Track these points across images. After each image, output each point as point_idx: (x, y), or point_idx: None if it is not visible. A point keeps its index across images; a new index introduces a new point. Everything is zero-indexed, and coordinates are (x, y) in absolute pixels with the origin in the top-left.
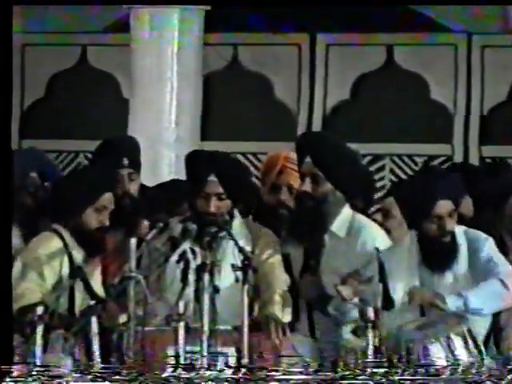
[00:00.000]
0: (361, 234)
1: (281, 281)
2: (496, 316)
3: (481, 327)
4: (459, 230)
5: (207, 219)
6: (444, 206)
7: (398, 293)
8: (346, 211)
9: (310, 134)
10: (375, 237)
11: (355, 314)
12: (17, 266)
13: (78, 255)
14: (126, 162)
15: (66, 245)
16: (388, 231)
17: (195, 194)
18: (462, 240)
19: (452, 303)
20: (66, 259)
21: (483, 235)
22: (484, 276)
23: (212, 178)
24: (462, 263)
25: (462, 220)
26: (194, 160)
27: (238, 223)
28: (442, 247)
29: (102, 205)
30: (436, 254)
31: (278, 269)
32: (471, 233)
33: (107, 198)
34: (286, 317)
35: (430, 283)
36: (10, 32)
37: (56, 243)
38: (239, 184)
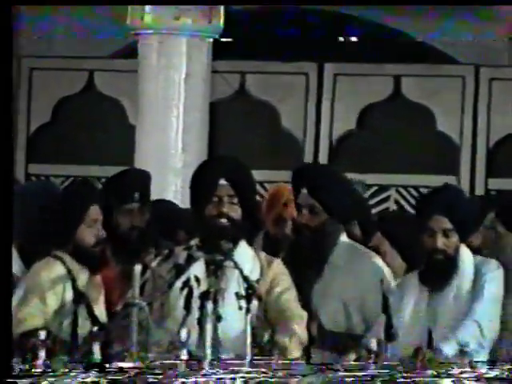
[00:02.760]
0: (361, 262)
1: (298, 317)
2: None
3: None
4: (470, 257)
5: (219, 226)
6: (438, 221)
7: (405, 319)
8: (345, 240)
9: (304, 166)
10: (377, 265)
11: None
12: (18, 291)
13: (82, 278)
14: (137, 196)
15: (68, 270)
16: None
17: (206, 201)
18: (469, 265)
19: (448, 350)
20: (68, 285)
21: (494, 264)
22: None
23: (222, 181)
24: (463, 285)
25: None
26: (203, 166)
27: (244, 251)
28: (434, 265)
29: (92, 219)
30: (429, 272)
31: (295, 305)
32: (483, 259)
33: (94, 211)
34: (295, 352)
35: (433, 304)
36: (10, 36)
37: (59, 268)
38: (249, 187)
